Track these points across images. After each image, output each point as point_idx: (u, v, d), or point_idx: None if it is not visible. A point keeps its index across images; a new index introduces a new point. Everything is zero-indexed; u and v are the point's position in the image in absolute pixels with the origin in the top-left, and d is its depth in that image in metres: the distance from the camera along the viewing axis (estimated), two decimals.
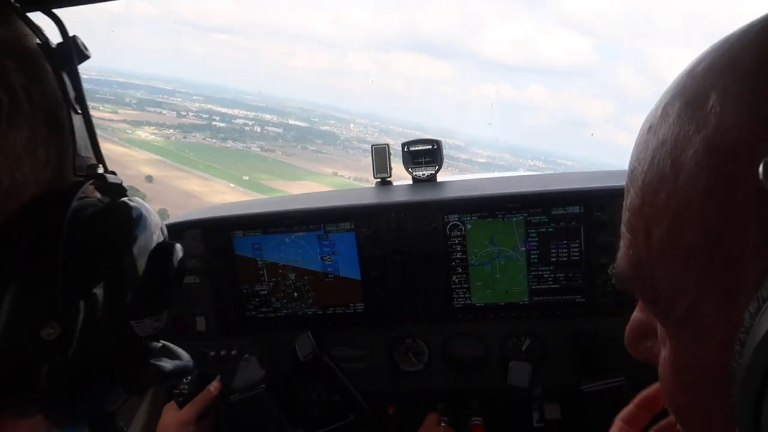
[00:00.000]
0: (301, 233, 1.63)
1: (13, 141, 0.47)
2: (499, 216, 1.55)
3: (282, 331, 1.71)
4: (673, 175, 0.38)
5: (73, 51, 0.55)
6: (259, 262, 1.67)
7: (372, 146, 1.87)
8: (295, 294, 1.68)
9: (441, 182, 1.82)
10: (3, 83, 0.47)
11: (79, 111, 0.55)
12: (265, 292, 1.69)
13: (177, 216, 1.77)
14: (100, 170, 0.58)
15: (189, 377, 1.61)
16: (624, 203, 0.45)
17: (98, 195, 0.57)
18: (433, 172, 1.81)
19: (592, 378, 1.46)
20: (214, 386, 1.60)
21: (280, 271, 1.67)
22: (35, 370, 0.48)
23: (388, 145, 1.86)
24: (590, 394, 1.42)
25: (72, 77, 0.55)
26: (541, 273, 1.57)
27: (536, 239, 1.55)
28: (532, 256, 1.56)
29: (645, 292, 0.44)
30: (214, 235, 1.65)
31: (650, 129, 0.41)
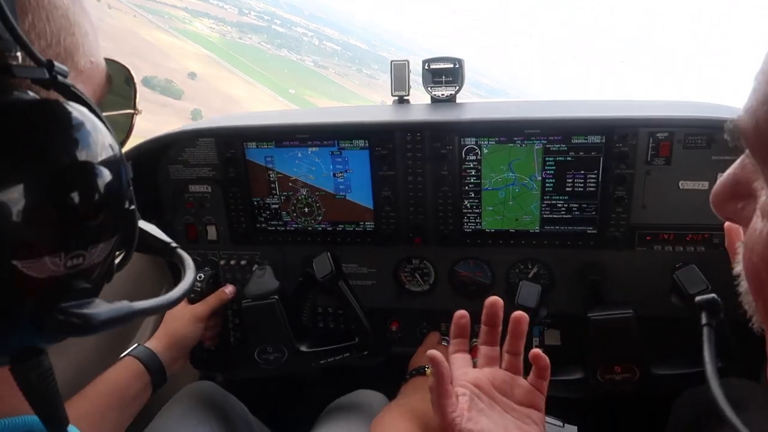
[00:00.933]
0: (314, 148, 1.61)
1: None
2: (518, 142, 1.51)
3: (292, 244, 1.73)
4: None
5: None
6: (271, 175, 1.66)
7: (391, 62, 1.80)
8: (306, 209, 1.68)
9: (460, 104, 1.77)
10: None
11: None
12: (277, 205, 1.69)
13: (190, 124, 1.75)
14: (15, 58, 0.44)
15: (202, 275, 1.65)
16: None
17: (32, 94, 0.46)
18: (453, 92, 1.75)
19: (599, 307, 1.47)
20: (229, 289, 1.64)
21: (291, 185, 1.66)
22: None
23: (408, 62, 1.79)
24: (596, 321, 1.43)
25: None
26: (554, 202, 1.55)
27: (553, 167, 1.52)
28: (548, 185, 1.54)
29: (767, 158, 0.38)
30: (226, 144, 1.63)
31: None
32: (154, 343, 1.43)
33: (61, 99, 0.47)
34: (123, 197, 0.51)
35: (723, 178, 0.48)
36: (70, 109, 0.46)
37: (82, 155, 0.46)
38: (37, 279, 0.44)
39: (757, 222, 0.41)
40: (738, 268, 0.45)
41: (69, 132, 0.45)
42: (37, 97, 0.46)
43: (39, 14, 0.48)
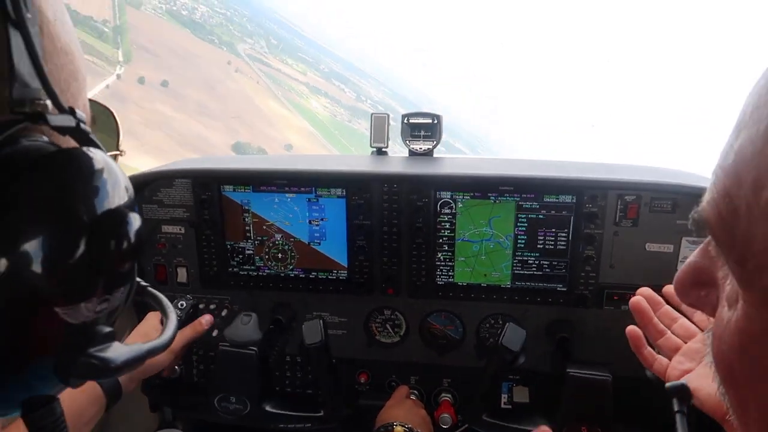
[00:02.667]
0: (291, 195, 1.62)
1: None
2: (492, 198, 1.54)
3: (263, 289, 1.71)
4: None
5: None
6: (246, 219, 1.65)
7: (372, 114, 1.84)
8: (280, 255, 1.68)
9: (437, 158, 1.81)
10: None
11: (17, 24, 0.42)
12: (250, 249, 1.68)
13: (169, 163, 1.74)
14: (49, 106, 0.45)
15: (184, 303, 1.60)
16: (729, 142, 0.39)
17: (45, 138, 0.47)
18: (431, 146, 1.79)
19: (578, 365, 1.47)
20: (206, 320, 1.59)
21: (266, 229, 1.66)
22: None
23: (388, 115, 1.84)
24: (575, 378, 1.43)
25: None
26: (526, 258, 1.58)
27: (525, 224, 1.55)
28: (519, 241, 1.57)
29: (732, 250, 0.38)
30: (203, 186, 1.63)
31: None
32: None
33: (83, 147, 0.48)
34: (143, 241, 0.52)
35: (685, 265, 0.49)
36: (98, 157, 0.47)
37: (114, 202, 0.47)
38: (71, 325, 0.44)
39: (723, 312, 0.42)
40: (707, 358, 0.45)
41: (102, 180, 0.46)
42: (60, 145, 0.47)
43: (55, 60, 0.49)
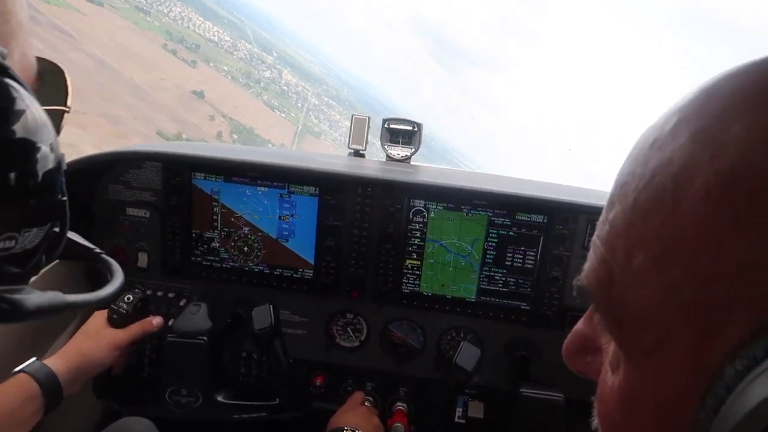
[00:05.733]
0: (263, 188, 1.59)
1: None
2: (464, 210, 1.54)
3: (225, 282, 1.67)
4: (672, 203, 0.34)
5: None
6: (215, 209, 1.62)
7: (353, 116, 1.83)
8: (246, 248, 1.64)
9: (414, 165, 1.81)
10: None
11: None
12: (216, 240, 1.65)
13: (139, 144, 1.70)
14: None
15: (131, 297, 1.51)
16: (604, 215, 0.42)
17: None
18: (409, 154, 1.79)
19: (532, 384, 1.48)
20: (157, 322, 1.54)
21: (234, 221, 1.62)
22: None
23: (369, 118, 1.83)
24: (527, 398, 1.43)
25: None
26: (493, 274, 1.58)
27: (495, 240, 1.55)
28: (488, 256, 1.57)
29: (609, 313, 0.41)
30: (173, 172, 1.59)
31: (654, 144, 0.37)
32: (55, 362, 1.27)
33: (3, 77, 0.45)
34: (59, 184, 0.49)
35: (572, 333, 0.51)
36: (13, 85, 0.44)
37: (23, 132, 0.44)
38: None
39: (606, 376, 0.43)
40: (594, 422, 0.46)
41: (12, 107, 0.43)
42: None
43: None
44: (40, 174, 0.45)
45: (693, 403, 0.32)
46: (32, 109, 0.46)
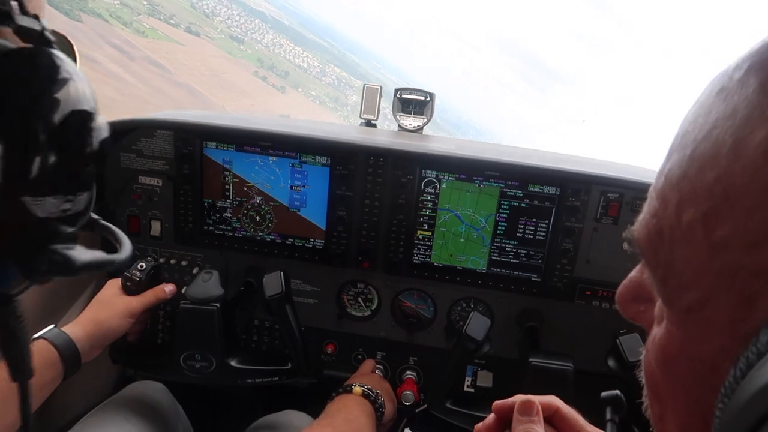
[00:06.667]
0: (275, 158, 1.59)
1: None
2: (476, 181, 1.53)
3: (237, 251, 1.68)
4: (730, 157, 0.32)
5: None
6: (227, 177, 1.62)
7: (364, 85, 1.81)
8: (257, 218, 1.65)
9: (426, 135, 1.79)
10: None
11: None
12: (228, 209, 1.65)
13: (151, 113, 1.69)
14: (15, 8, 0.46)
15: (144, 265, 1.54)
16: (662, 165, 0.40)
17: (11, 41, 0.47)
18: (421, 124, 1.77)
19: (541, 354, 1.49)
20: (169, 289, 1.56)
21: (246, 191, 1.63)
22: None
23: (381, 87, 1.81)
24: (536, 367, 1.44)
25: None
26: (504, 245, 1.58)
27: (507, 211, 1.54)
28: (500, 228, 1.56)
29: (657, 268, 0.40)
30: (185, 140, 1.59)
31: (720, 92, 0.35)
32: (74, 329, 1.31)
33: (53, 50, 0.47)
34: (106, 153, 0.53)
35: (626, 280, 0.51)
36: (67, 59, 0.47)
37: (84, 103, 0.48)
38: (37, 218, 0.46)
39: (654, 328, 0.43)
40: (641, 374, 0.47)
41: (72, 80, 0.47)
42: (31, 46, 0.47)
43: None
44: (98, 140, 0.50)
45: (727, 365, 0.32)
46: (86, 81, 0.49)
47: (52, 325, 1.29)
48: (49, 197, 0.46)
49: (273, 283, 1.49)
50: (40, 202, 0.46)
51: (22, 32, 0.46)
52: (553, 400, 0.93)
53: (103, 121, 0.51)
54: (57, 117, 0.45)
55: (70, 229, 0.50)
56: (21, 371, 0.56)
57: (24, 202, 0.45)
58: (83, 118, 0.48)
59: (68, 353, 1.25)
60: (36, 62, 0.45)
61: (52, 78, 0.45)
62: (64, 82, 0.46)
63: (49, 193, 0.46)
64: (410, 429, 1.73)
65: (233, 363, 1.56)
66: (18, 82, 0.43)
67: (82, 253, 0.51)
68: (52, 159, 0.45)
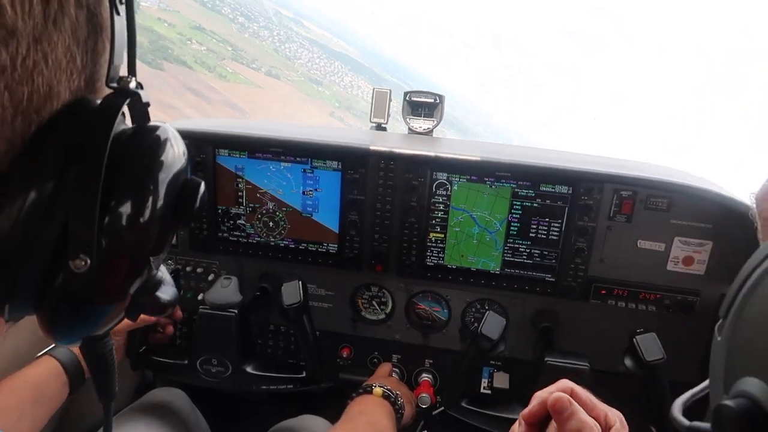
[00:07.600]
0: (287, 164, 1.60)
1: (55, 45, 0.41)
2: (488, 182, 1.53)
3: (252, 257, 1.70)
4: None
5: None
6: (239, 184, 1.64)
7: (374, 89, 1.82)
8: (271, 223, 1.66)
9: (436, 138, 1.79)
10: None
11: (121, 11, 0.48)
12: (242, 216, 1.67)
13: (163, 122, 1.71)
14: (132, 84, 0.51)
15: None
16: None
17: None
18: (431, 126, 1.78)
19: (557, 354, 1.48)
20: (165, 326, 1.58)
21: (259, 197, 1.64)
22: (52, 291, 0.45)
23: (390, 91, 1.82)
24: (552, 367, 1.44)
25: None
26: (517, 246, 1.57)
27: (519, 212, 1.54)
28: (512, 228, 1.56)
29: None
30: (197, 148, 1.60)
31: None
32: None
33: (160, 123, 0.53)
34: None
35: (766, 181, 0.60)
36: (172, 130, 0.53)
37: (188, 170, 0.54)
38: (151, 271, 0.53)
39: None
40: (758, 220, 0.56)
41: (181, 151, 0.53)
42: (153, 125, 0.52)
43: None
44: (200, 202, 0.55)
45: None
46: (183, 144, 0.55)
47: (53, 344, 1.32)
48: (161, 254, 0.53)
49: (292, 291, 1.50)
50: (156, 259, 0.52)
51: (142, 105, 0.51)
52: (566, 383, 0.96)
53: (202, 181, 0.56)
54: (179, 185, 0.51)
55: (159, 274, 0.57)
56: (107, 394, 0.69)
57: (150, 260, 0.51)
58: (197, 184, 0.54)
59: (71, 365, 1.29)
60: (163, 137, 0.51)
61: (166, 152, 0.50)
62: (174, 153, 0.51)
63: (164, 251, 0.53)
64: (428, 431, 1.73)
65: (249, 369, 1.58)
66: (154, 155, 0.49)
67: (164, 294, 0.58)
68: (172, 222, 0.51)
